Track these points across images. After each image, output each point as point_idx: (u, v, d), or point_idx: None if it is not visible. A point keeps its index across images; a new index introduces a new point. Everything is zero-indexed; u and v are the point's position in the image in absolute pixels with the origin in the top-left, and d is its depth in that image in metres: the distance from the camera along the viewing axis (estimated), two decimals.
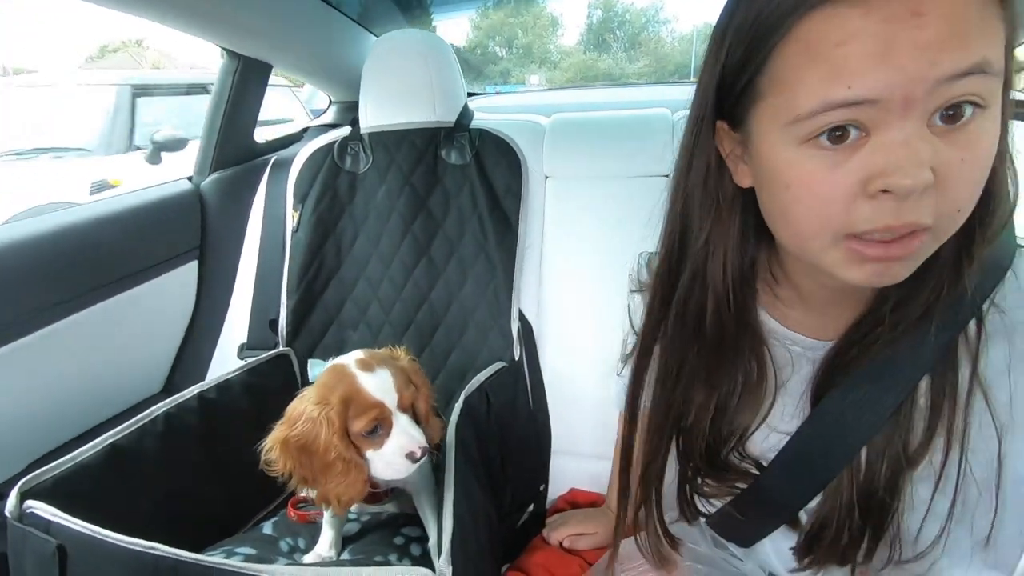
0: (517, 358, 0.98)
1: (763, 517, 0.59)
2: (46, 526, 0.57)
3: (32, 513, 0.58)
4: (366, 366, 0.68)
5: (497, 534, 0.85)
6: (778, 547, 0.61)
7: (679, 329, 0.54)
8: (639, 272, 0.68)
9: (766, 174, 0.44)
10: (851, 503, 0.50)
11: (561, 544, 0.87)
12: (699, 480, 0.59)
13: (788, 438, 0.54)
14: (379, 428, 0.66)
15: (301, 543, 0.83)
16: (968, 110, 0.36)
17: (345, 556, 0.80)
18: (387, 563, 0.72)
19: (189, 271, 1.11)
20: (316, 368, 0.76)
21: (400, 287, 1.07)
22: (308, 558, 0.79)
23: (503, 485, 0.91)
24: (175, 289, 1.10)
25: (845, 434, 0.50)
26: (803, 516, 0.56)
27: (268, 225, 1.13)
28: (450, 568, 0.50)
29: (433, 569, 0.53)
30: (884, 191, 0.37)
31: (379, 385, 0.66)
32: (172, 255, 1.08)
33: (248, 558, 0.73)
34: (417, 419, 0.70)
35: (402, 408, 0.67)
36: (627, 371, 0.78)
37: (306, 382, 1.06)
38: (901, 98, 0.36)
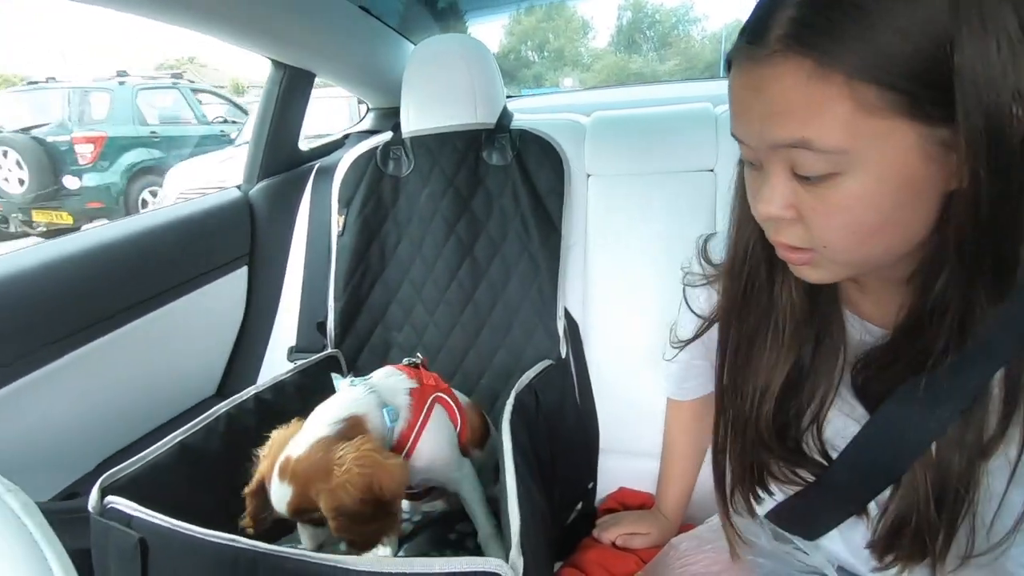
0: (564, 356, 0.98)
1: (830, 508, 0.59)
2: (127, 520, 0.59)
3: (113, 508, 0.61)
4: (281, 472, 0.65)
5: (550, 530, 0.85)
6: (848, 538, 0.60)
7: (753, 308, 0.55)
8: (699, 257, 0.68)
9: None
10: (926, 496, 0.49)
11: (614, 543, 0.86)
12: (765, 471, 0.59)
13: (857, 425, 0.53)
14: None
15: None
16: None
17: (401, 554, 0.81)
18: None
19: (239, 277, 1.15)
20: (337, 381, 0.79)
21: (444, 288, 1.08)
22: (365, 557, 0.80)
23: (552, 483, 0.91)
24: (226, 294, 1.13)
25: (911, 431, 0.49)
26: (872, 507, 0.55)
27: (314, 230, 1.16)
28: (522, 559, 0.50)
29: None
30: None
31: (277, 497, 0.66)
32: (224, 262, 1.11)
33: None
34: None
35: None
36: (677, 356, 0.78)
37: None
38: (757, 149, 0.44)
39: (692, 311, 0.70)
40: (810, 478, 0.58)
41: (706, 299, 0.67)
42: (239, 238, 1.15)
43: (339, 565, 0.50)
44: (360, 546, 0.64)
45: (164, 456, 0.72)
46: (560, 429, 0.94)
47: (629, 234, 1.02)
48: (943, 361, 0.47)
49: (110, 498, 0.62)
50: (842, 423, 0.54)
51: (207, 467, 0.76)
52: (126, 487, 0.65)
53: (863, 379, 0.53)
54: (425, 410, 0.77)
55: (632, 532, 0.86)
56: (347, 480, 0.62)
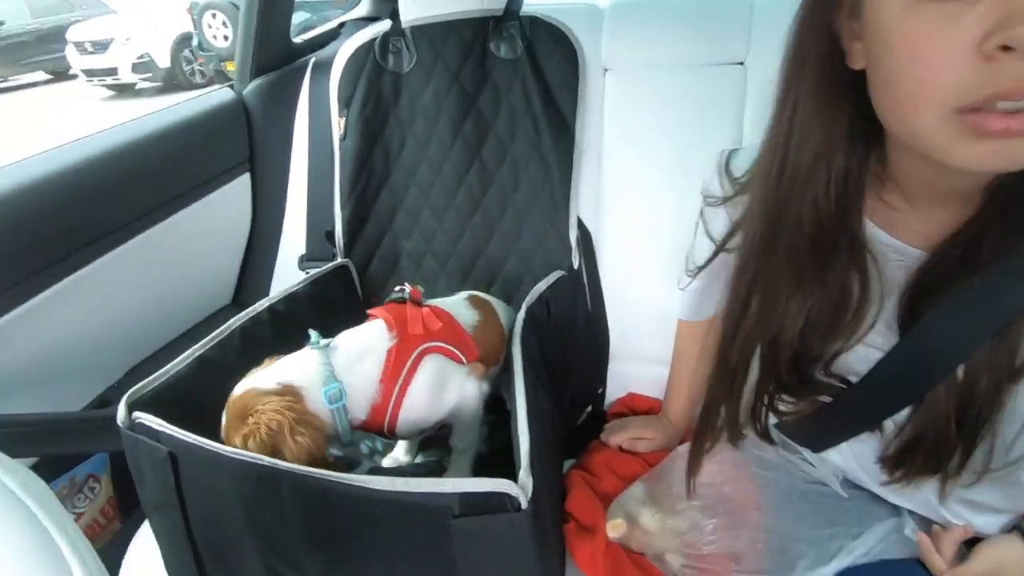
0: (576, 266, 0.96)
1: (844, 426, 0.59)
2: (156, 435, 0.62)
3: (141, 423, 0.64)
4: (228, 410, 0.68)
5: (559, 433, 0.89)
6: (858, 452, 0.62)
7: (777, 235, 0.51)
8: (721, 174, 0.63)
9: (871, 40, 0.40)
10: (947, 416, 0.49)
11: (620, 447, 0.90)
12: (778, 395, 0.59)
13: (880, 353, 0.52)
14: None
15: (379, 445, 0.89)
16: None
17: (419, 459, 0.86)
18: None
19: (242, 184, 1.11)
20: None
21: (452, 193, 1.04)
22: (386, 462, 0.85)
23: (563, 388, 0.94)
24: (231, 203, 1.10)
25: (946, 350, 0.48)
26: (889, 424, 0.55)
27: (315, 132, 1.10)
28: (531, 479, 0.52)
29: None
30: (1005, 48, 0.32)
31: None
32: (224, 168, 1.07)
33: (337, 459, 0.79)
34: None
35: None
36: (692, 284, 0.76)
37: (366, 293, 1.10)
38: None
39: (709, 236, 0.66)
40: (825, 400, 0.57)
41: (724, 222, 0.63)
42: (237, 142, 1.10)
43: (356, 483, 0.53)
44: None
45: (184, 370, 0.74)
46: (571, 337, 0.95)
47: (648, 137, 0.95)
48: (985, 280, 0.44)
49: (137, 413, 0.64)
50: (865, 351, 0.53)
51: (225, 379, 0.78)
52: (151, 401, 0.68)
53: (906, 303, 0.50)
54: (407, 368, 0.71)
55: (638, 437, 0.90)
56: (254, 432, 0.63)
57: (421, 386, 0.71)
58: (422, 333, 0.73)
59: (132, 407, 0.65)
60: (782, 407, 0.59)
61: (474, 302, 0.85)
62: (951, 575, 0.55)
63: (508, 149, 1.00)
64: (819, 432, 0.63)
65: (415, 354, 0.72)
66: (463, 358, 0.76)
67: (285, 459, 0.60)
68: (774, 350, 0.54)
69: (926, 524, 0.63)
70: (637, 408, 1.00)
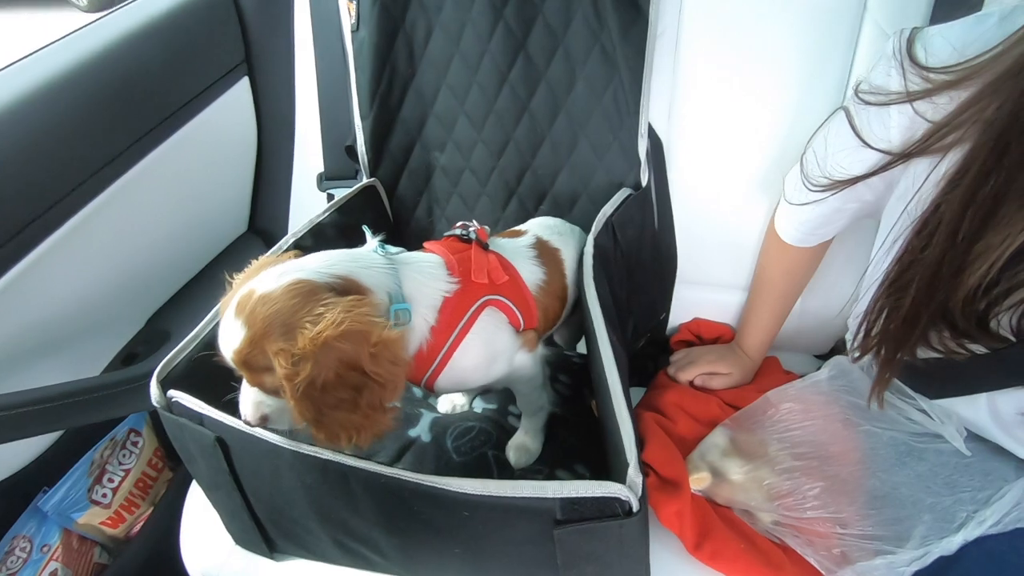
0: (645, 184, 0.82)
1: (991, 377, 0.51)
2: (199, 419, 0.56)
3: (179, 404, 0.56)
4: (238, 307, 0.49)
5: (625, 368, 0.82)
6: (999, 404, 0.54)
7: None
8: (899, 59, 0.49)
9: None
10: None
11: (692, 383, 0.84)
12: (924, 340, 0.50)
13: None
14: None
15: None
16: None
17: (479, 404, 0.79)
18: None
19: (242, 91, 0.94)
20: (367, 232, 0.64)
21: (492, 96, 0.87)
22: (442, 404, 0.79)
23: (627, 319, 0.85)
24: (231, 114, 0.94)
25: None
26: None
27: (319, 23, 0.90)
28: (640, 477, 0.45)
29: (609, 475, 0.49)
30: None
31: (225, 338, 0.51)
32: (218, 74, 0.89)
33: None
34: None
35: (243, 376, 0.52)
36: (813, 203, 0.63)
37: (395, 215, 0.98)
38: None
39: (863, 141, 0.52)
40: (980, 351, 0.49)
41: (898, 125, 0.49)
42: (229, 40, 0.91)
43: (438, 486, 0.46)
44: (326, 436, 0.48)
45: (213, 332, 0.65)
46: (638, 265, 0.84)
47: (738, 23, 0.76)
48: None
49: (173, 392, 0.57)
50: None
51: None
52: (185, 375, 0.60)
53: None
54: (465, 320, 0.59)
55: (711, 372, 0.83)
56: (325, 338, 0.45)
57: (475, 344, 0.59)
58: (486, 283, 0.62)
59: (165, 384, 0.58)
60: (935, 349, 0.51)
61: (541, 251, 0.72)
62: None
63: (561, 39, 0.81)
64: (952, 380, 0.55)
65: (476, 305, 0.61)
66: (521, 322, 0.65)
67: (368, 383, 0.47)
68: (954, 288, 0.45)
69: None
70: (704, 336, 0.93)
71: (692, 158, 0.85)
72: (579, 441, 0.71)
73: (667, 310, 0.95)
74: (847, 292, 0.84)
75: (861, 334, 0.55)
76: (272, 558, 0.67)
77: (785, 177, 0.71)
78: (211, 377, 0.61)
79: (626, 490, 0.44)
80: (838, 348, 0.93)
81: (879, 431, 0.62)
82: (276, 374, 0.47)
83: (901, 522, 0.56)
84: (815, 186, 0.59)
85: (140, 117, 0.79)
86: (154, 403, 0.57)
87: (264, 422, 0.53)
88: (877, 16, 0.72)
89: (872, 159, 0.52)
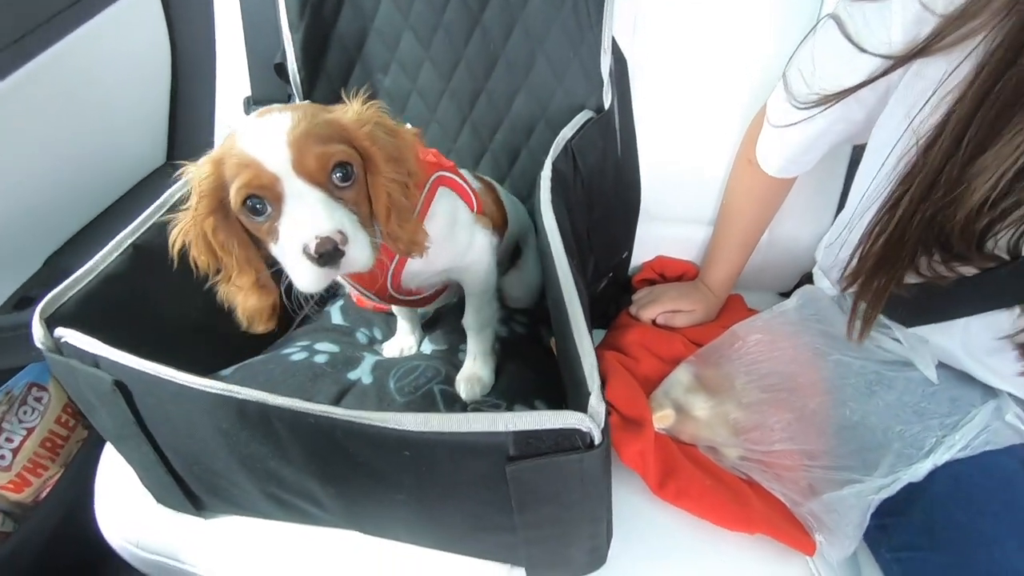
0: (608, 106, 0.76)
1: (973, 301, 0.49)
2: (93, 360, 0.47)
3: (68, 344, 0.48)
4: (262, 113, 0.43)
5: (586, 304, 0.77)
6: (973, 331, 0.52)
7: None
8: None
9: None
10: None
11: (654, 321, 0.80)
12: (916, 263, 0.46)
13: None
14: (263, 204, 0.42)
15: (378, 333, 0.76)
16: None
17: (427, 346, 0.73)
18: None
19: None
20: None
21: (440, 8, 0.78)
22: (388, 349, 0.73)
23: (588, 257, 0.80)
24: (137, 23, 0.82)
25: None
26: None
27: None
28: (603, 407, 0.40)
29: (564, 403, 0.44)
30: None
31: (263, 133, 0.41)
32: None
33: (333, 357, 0.66)
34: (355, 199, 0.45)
35: (303, 173, 0.41)
36: (809, 119, 0.58)
37: None
38: None
39: (858, 47, 0.47)
40: (968, 272, 0.45)
41: (902, 21, 0.44)
42: None
43: (372, 422, 0.40)
44: (409, 234, 0.48)
45: (115, 264, 0.56)
46: (599, 196, 0.78)
47: None
48: None
49: (61, 331, 0.48)
50: None
51: (173, 273, 0.61)
52: (76, 312, 0.51)
53: None
54: (425, 192, 0.55)
55: (675, 309, 0.79)
56: (370, 116, 0.45)
57: (439, 212, 0.55)
58: (435, 162, 0.57)
59: (51, 322, 0.49)
60: (924, 272, 0.48)
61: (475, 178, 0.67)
62: None
63: None
64: (931, 307, 0.52)
65: (431, 180, 0.56)
66: (474, 202, 0.60)
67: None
68: (955, 208, 0.41)
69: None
70: (668, 274, 0.88)
71: (658, 79, 0.78)
72: (537, 376, 0.66)
73: (630, 249, 0.90)
74: (818, 223, 0.81)
75: (855, 261, 0.51)
76: (201, 516, 0.60)
77: (767, 100, 0.65)
78: (109, 314, 0.53)
79: (587, 420, 0.39)
80: (803, 285, 0.90)
81: (849, 360, 0.60)
82: (344, 145, 0.43)
83: (871, 451, 0.54)
84: (803, 104, 0.54)
85: (14, 11, 0.66)
86: (38, 343, 0.49)
87: (342, 239, 0.41)
88: None
89: (869, 66, 0.47)
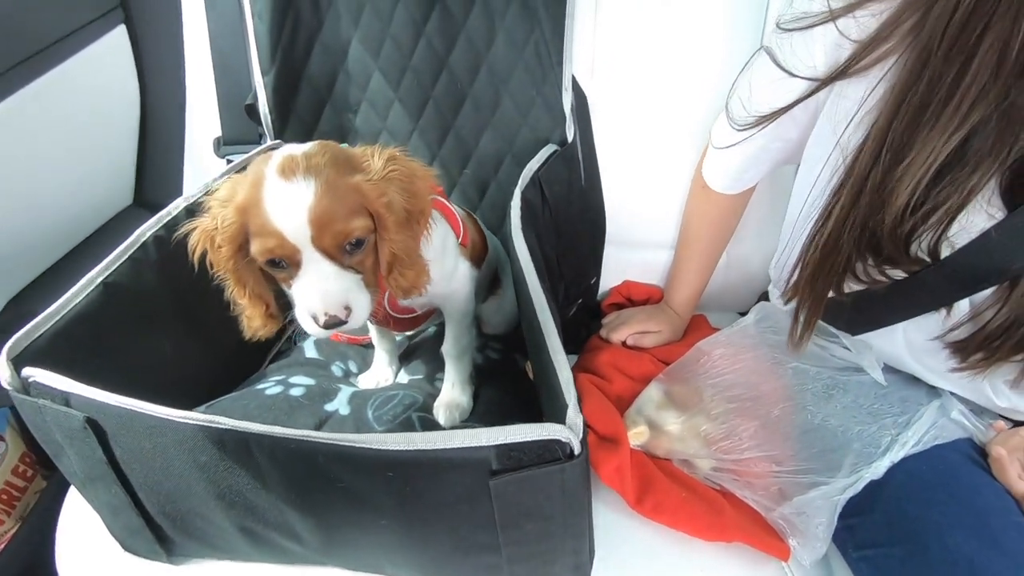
0: (571, 139, 0.80)
1: (907, 305, 0.53)
2: (64, 399, 0.46)
3: (37, 383, 0.47)
4: (286, 170, 0.45)
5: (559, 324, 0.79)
6: (911, 335, 0.56)
7: (946, 56, 0.41)
8: None
9: None
10: None
11: (624, 343, 0.82)
12: (851, 269, 0.51)
13: (987, 224, 0.45)
14: (285, 264, 0.47)
15: (353, 366, 0.76)
16: None
17: (403, 376, 0.74)
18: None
19: (118, 40, 0.82)
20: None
21: (408, 51, 0.82)
22: (364, 381, 0.73)
23: (558, 282, 0.83)
24: (106, 66, 0.82)
25: None
26: (964, 305, 0.51)
27: None
28: (580, 418, 0.42)
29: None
30: None
31: (287, 206, 0.45)
32: (87, 17, 0.78)
33: (309, 390, 0.66)
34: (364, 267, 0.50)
35: (320, 248, 0.46)
36: (747, 139, 0.62)
37: None
38: None
39: (785, 70, 0.52)
40: (898, 276, 0.50)
41: (823, 47, 0.49)
42: None
43: (353, 444, 0.41)
44: (409, 280, 0.51)
45: (86, 304, 0.56)
46: (566, 224, 0.82)
47: None
48: None
49: (29, 370, 0.47)
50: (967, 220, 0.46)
51: (145, 311, 0.61)
52: (45, 351, 0.50)
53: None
54: None
55: (643, 331, 0.82)
56: (388, 173, 0.48)
57: (430, 246, 0.57)
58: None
59: (19, 362, 0.48)
60: (859, 278, 0.52)
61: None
62: None
63: None
64: (869, 313, 0.57)
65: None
66: (460, 230, 0.64)
67: (418, 206, 0.50)
68: (882, 213, 0.46)
69: (969, 404, 0.60)
70: (635, 297, 0.92)
71: (616, 113, 0.83)
72: (514, 399, 0.67)
73: (598, 274, 0.93)
74: (769, 244, 0.86)
75: (795, 275, 0.55)
76: (169, 562, 0.58)
77: (712, 127, 0.71)
78: (78, 353, 0.53)
79: (566, 431, 0.40)
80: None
81: (806, 367, 0.63)
82: (361, 219, 0.46)
83: (832, 452, 0.57)
84: (741, 126, 0.59)
85: None
86: (4, 384, 0.47)
87: (347, 314, 0.47)
88: None
89: (798, 89, 0.52)
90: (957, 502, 0.50)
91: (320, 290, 0.47)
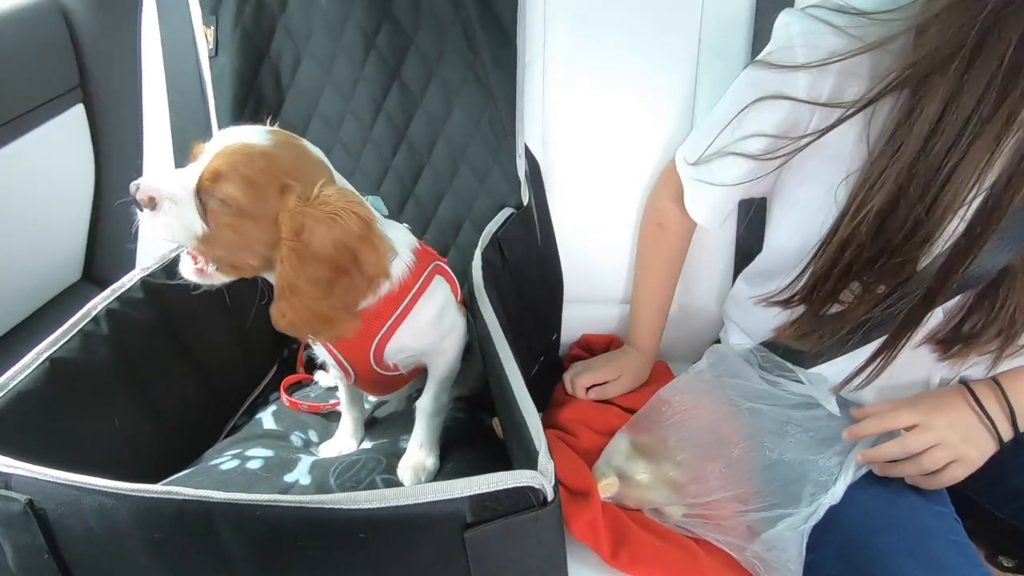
0: (526, 203, 0.84)
1: (852, 341, 0.58)
2: (4, 480, 0.43)
3: None
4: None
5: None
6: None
7: (976, 80, 0.45)
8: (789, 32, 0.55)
9: None
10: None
11: (588, 394, 0.84)
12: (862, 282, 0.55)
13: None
14: None
15: (314, 436, 0.74)
16: None
17: (367, 444, 0.72)
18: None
19: (75, 119, 0.83)
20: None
21: (368, 126, 0.86)
22: (326, 450, 0.71)
23: (520, 340, 0.84)
24: (61, 144, 0.83)
25: None
26: (938, 313, 0.55)
27: (170, 48, 0.84)
28: (551, 463, 0.42)
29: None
30: None
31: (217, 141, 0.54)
32: (43, 98, 0.79)
33: (267, 462, 0.63)
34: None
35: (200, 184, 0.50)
36: (708, 170, 0.67)
37: None
38: None
39: (792, 98, 0.56)
40: (883, 290, 0.55)
41: (810, 86, 0.54)
42: (57, 61, 0.81)
43: (324, 506, 0.40)
44: (291, 316, 0.50)
45: (30, 381, 0.53)
46: (526, 284, 0.85)
47: (602, 42, 0.83)
48: None
49: None
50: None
51: (94, 387, 0.59)
52: None
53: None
54: (424, 276, 0.61)
55: (603, 381, 0.83)
56: (327, 213, 0.48)
57: (435, 294, 0.62)
58: (433, 252, 0.66)
59: None
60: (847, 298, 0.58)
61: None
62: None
63: (435, 67, 0.83)
64: (828, 348, 0.61)
65: (429, 268, 0.63)
66: (458, 290, 0.68)
67: (356, 272, 0.50)
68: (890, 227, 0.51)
69: None
70: (594, 347, 0.94)
71: (568, 177, 0.89)
72: (481, 455, 0.67)
73: (558, 331, 0.96)
74: (716, 291, 0.91)
75: (803, 279, 0.60)
76: None
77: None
78: (21, 434, 0.50)
79: (539, 476, 0.41)
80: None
81: (761, 406, 0.66)
82: (266, 221, 0.48)
83: (792, 484, 0.59)
84: (711, 159, 0.64)
85: None
86: None
87: (154, 204, 0.50)
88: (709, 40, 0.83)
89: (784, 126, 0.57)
90: (897, 527, 0.52)
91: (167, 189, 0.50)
